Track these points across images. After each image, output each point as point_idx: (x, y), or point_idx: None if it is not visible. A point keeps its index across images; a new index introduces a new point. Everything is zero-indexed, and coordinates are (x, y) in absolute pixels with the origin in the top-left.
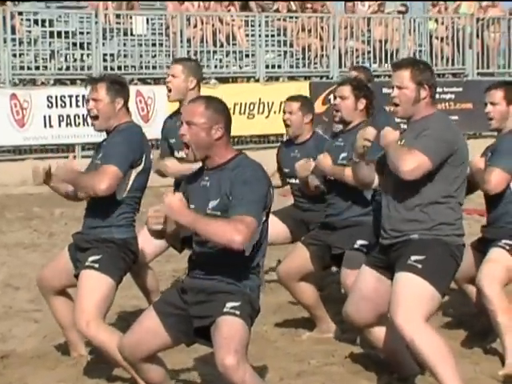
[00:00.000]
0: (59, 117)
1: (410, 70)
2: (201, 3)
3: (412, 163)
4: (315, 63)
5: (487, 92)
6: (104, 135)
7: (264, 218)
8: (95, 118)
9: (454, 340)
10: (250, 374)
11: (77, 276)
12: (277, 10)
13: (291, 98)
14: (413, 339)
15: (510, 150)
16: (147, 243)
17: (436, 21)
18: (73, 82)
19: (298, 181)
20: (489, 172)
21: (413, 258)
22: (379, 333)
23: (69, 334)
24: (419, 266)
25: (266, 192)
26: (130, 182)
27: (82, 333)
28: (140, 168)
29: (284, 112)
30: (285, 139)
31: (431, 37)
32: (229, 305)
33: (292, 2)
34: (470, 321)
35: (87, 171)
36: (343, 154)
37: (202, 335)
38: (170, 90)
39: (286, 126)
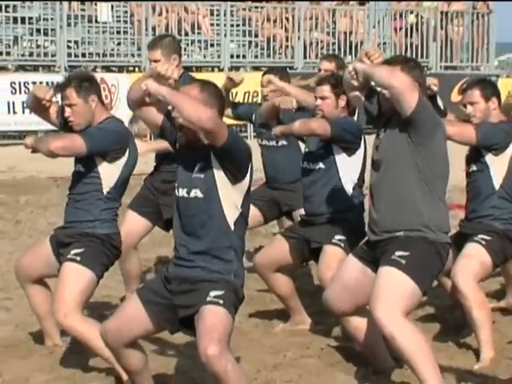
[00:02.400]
0: (23, 103)
1: (401, 68)
2: None
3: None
4: (280, 54)
5: (464, 93)
6: None
7: (243, 196)
8: (73, 121)
9: (429, 334)
10: (232, 363)
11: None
12: (241, 0)
13: (269, 72)
14: (393, 334)
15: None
16: (133, 225)
17: (412, 13)
18: (36, 68)
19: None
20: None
21: (397, 253)
22: (357, 322)
23: (44, 322)
24: (403, 261)
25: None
26: (117, 177)
27: (59, 323)
28: (124, 160)
29: (262, 86)
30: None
31: (408, 29)
32: (212, 293)
33: None
34: (443, 314)
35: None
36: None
37: (186, 324)
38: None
39: (266, 100)
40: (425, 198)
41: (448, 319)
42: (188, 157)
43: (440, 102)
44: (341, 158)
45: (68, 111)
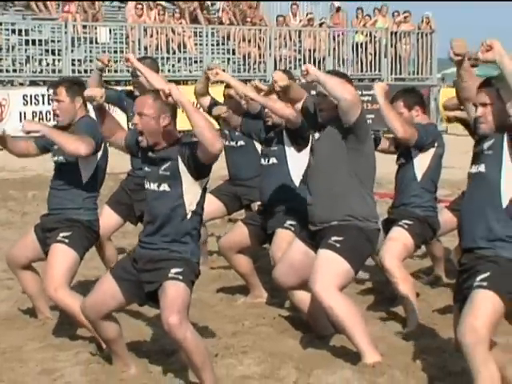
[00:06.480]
0: (33, 113)
1: (345, 81)
2: (156, 16)
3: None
4: (254, 68)
5: (393, 103)
6: None
7: (201, 190)
8: (58, 116)
9: (366, 304)
10: (190, 331)
11: (46, 253)
12: (221, 23)
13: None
14: (330, 305)
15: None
16: (108, 220)
17: (362, 33)
18: (45, 83)
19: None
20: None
21: (333, 238)
22: (301, 295)
23: (36, 301)
24: (338, 245)
25: None
26: (95, 166)
27: (50, 297)
28: (101, 152)
29: (224, 98)
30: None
31: (356, 47)
32: (173, 270)
33: (233, 18)
34: (380, 288)
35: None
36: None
37: (152, 298)
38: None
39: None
40: (354, 194)
41: (383, 292)
42: (153, 156)
43: None
44: (291, 154)
45: (55, 105)
